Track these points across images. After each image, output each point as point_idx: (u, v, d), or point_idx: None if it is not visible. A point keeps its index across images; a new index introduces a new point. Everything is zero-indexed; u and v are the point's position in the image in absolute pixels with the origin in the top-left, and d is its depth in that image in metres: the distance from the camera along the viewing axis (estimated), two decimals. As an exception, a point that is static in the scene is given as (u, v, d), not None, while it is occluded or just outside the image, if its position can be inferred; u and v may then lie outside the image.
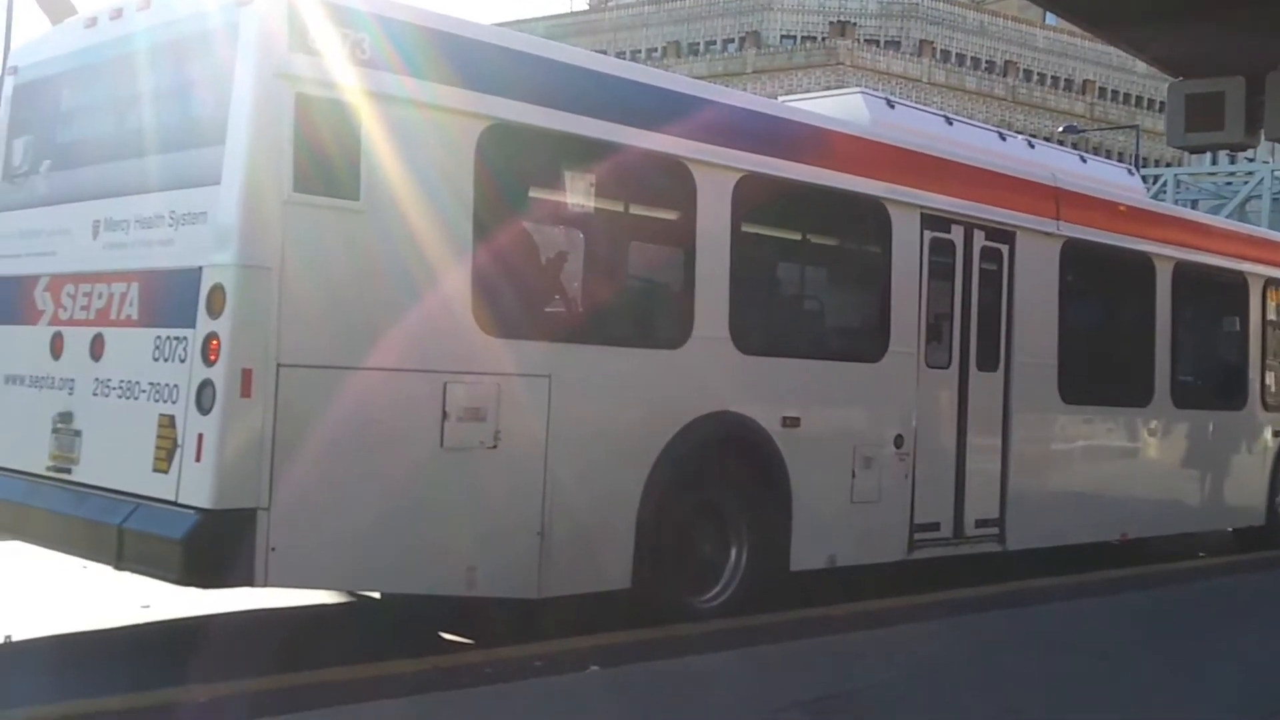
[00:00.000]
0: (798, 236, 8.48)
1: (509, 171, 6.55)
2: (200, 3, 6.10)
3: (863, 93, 9.23)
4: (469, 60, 6.35)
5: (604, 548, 6.82)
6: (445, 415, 6.12)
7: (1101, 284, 10.62)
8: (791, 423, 7.69)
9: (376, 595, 7.69)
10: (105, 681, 5.78)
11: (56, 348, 6.57)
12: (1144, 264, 10.67)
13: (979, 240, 9.23)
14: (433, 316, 6.11)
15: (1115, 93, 70.46)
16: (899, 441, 8.49)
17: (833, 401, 8.12)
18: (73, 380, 6.40)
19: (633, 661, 6.18)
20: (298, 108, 5.66)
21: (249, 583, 5.60)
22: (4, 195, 7.36)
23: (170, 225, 5.95)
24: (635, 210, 7.54)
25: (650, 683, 5.91)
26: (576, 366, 6.70)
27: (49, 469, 6.38)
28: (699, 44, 66.48)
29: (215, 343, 5.59)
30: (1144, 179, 12.28)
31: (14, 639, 6.71)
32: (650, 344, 7.24)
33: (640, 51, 66.26)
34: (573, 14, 72.49)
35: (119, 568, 5.82)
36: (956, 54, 66.74)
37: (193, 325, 5.68)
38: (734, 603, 7.43)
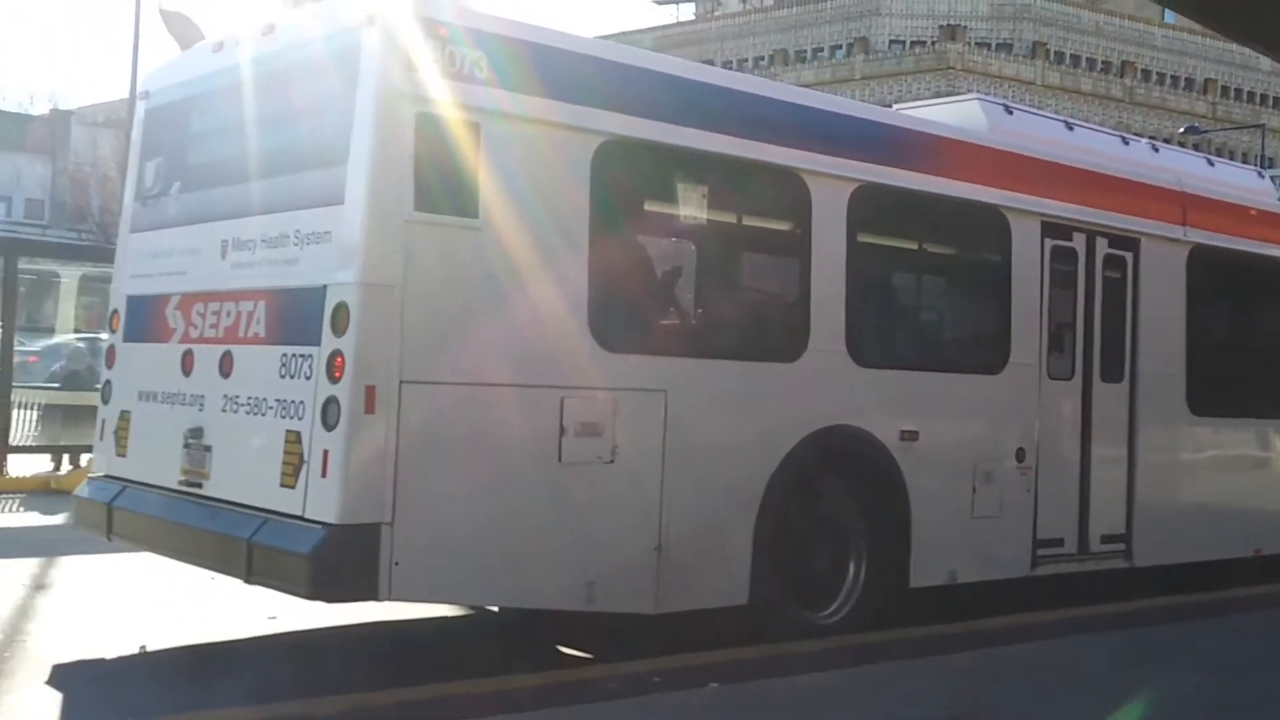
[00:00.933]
0: (915, 246, 8.33)
1: (624, 186, 6.60)
2: (322, 27, 6.23)
3: (979, 99, 9.11)
4: (583, 77, 6.39)
5: (721, 563, 6.79)
6: (563, 430, 6.15)
7: (1231, 291, 10.31)
8: (910, 436, 7.59)
9: (495, 609, 7.73)
10: (234, 692, 5.98)
11: (187, 365, 6.74)
12: (1276, 270, 10.32)
13: (1102, 248, 9.03)
14: (550, 332, 6.16)
15: (1239, 91, 68.30)
16: (1021, 455, 8.33)
17: (952, 414, 7.99)
18: (203, 397, 6.55)
19: (752, 679, 6.15)
20: (418, 128, 5.73)
21: (373, 596, 5.67)
22: (137, 216, 7.59)
23: (295, 245, 6.08)
24: (750, 222, 7.52)
25: (770, 701, 5.87)
26: (692, 381, 6.69)
27: (181, 483, 6.55)
28: (806, 51, 66.09)
29: (340, 360, 5.67)
30: (1272, 180, 11.95)
31: (148, 648, 6.91)
32: (766, 357, 7.19)
33: (747, 60, 66.04)
34: (679, 24, 72.60)
35: (249, 581, 5.93)
36: (1071, 55, 65.30)
37: (318, 343, 5.78)
38: (852, 619, 7.38)
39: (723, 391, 6.86)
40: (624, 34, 63.82)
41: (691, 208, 7.11)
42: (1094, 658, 7.03)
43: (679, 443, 6.57)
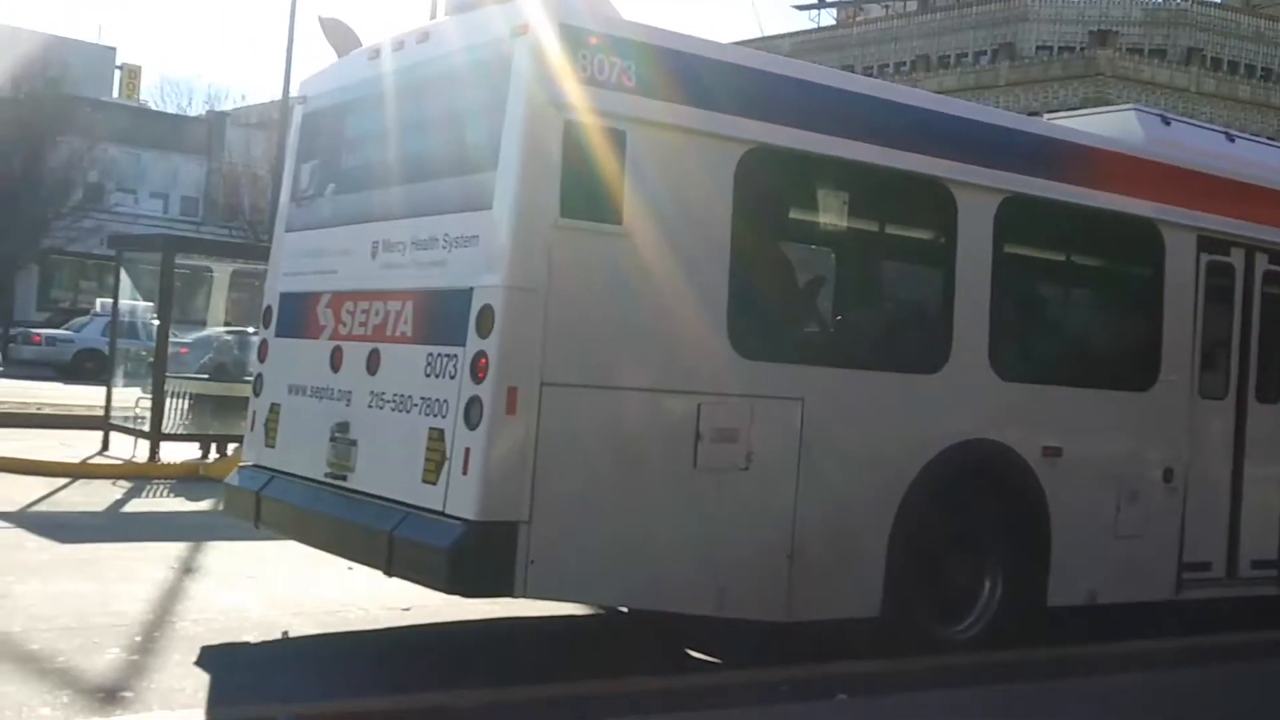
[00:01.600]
0: (1063, 259, 8.18)
1: (767, 195, 6.63)
2: (475, 36, 6.34)
3: (1136, 109, 8.88)
4: (728, 85, 6.44)
5: (854, 573, 6.76)
6: (699, 436, 6.19)
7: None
8: (1052, 452, 7.45)
9: (625, 610, 7.81)
10: (374, 682, 6.16)
11: (336, 361, 6.89)
12: None
13: (1262, 264, 8.75)
14: (689, 338, 6.20)
15: None
16: (1168, 475, 8.12)
17: (1097, 431, 7.81)
18: (350, 392, 6.70)
19: (881, 692, 6.13)
20: (565, 136, 5.83)
21: (508, 593, 5.79)
22: (292, 216, 7.82)
23: (444, 247, 6.21)
24: (893, 232, 7.48)
25: (898, 715, 5.83)
26: (830, 390, 6.68)
27: (326, 475, 6.71)
28: (949, 57, 65.01)
29: (483, 361, 5.77)
30: None
31: (290, 634, 7.16)
32: (906, 368, 7.13)
33: (889, 66, 65.28)
34: (819, 30, 72.00)
35: (389, 573, 6.09)
36: (1229, 61, 62.98)
37: (463, 344, 5.89)
38: (986, 636, 7.26)
39: (861, 402, 6.84)
40: (763, 40, 63.64)
41: (834, 217, 7.11)
42: (1252, 688, 6.80)
43: (814, 452, 6.57)
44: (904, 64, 64.64)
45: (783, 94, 6.66)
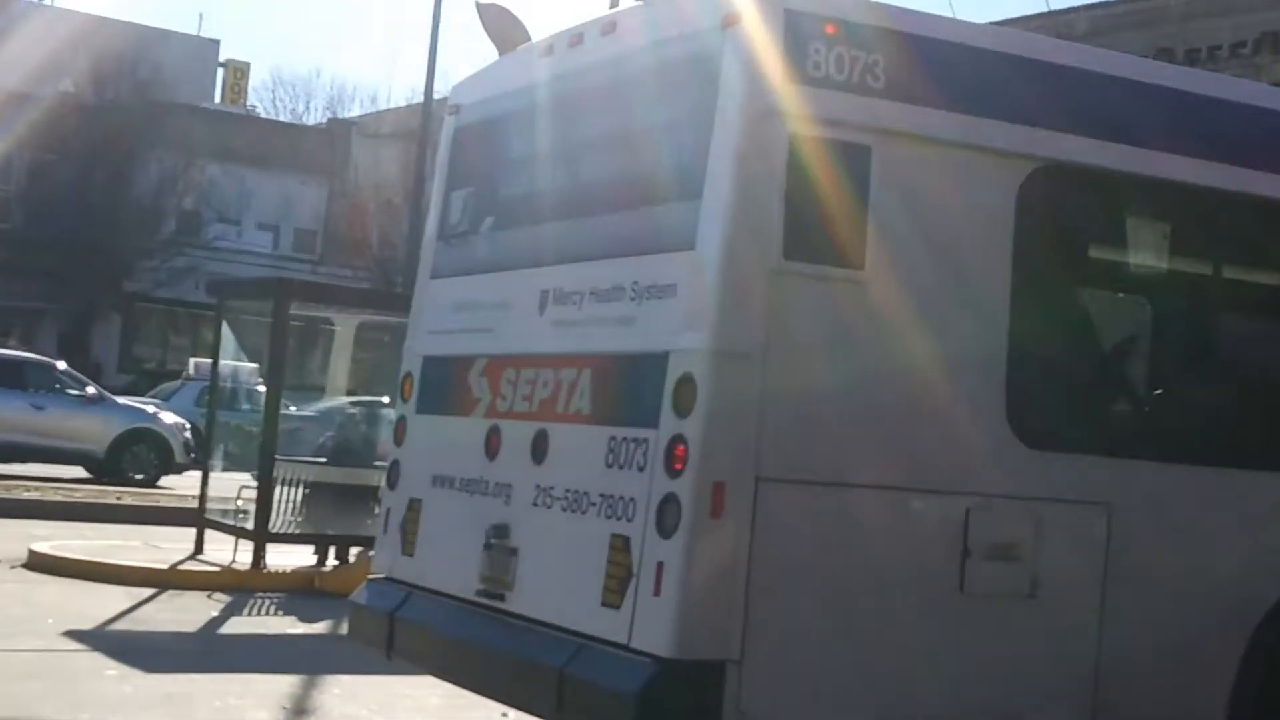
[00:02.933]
0: None
1: (1061, 229, 6.65)
2: (674, 27, 6.46)
3: None
4: (1008, 83, 6.47)
5: (1182, 741, 6.66)
6: (967, 552, 6.17)
7: None
8: None
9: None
10: None
11: (492, 445, 7.03)
12: None
13: None
14: (953, 420, 6.19)
15: None
16: None
17: None
18: (510, 486, 6.83)
19: None
20: (791, 154, 5.89)
21: (713, 752, 5.84)
22: (440, 259, 8.00)
23: (632, 299, 6.29)
24: (1233, 277, 7.32)
25: None
26: (1148, 492, 6.63)
27: (480, 593, 6.84)
28: (1309, 33, 62.97)
29: (681, 449, 5.81)
30: None
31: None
32: (1256, 463, 6.99)
33: (1220, 47, 63.73)
34: (1123, 3, 70.86)
35: (557, 719, 6.15)
36: None
37: (655, 425, 5.95)
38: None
39: (1192, 508, 6.75)
40: (1049, 15, 62.86)
41: (1153, 256, 7.03)
42: None
43: (1127, 576, 6.50)
44: (1242, 44, 62.91)
45: (1083, 93, 6.64)
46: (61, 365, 25.67)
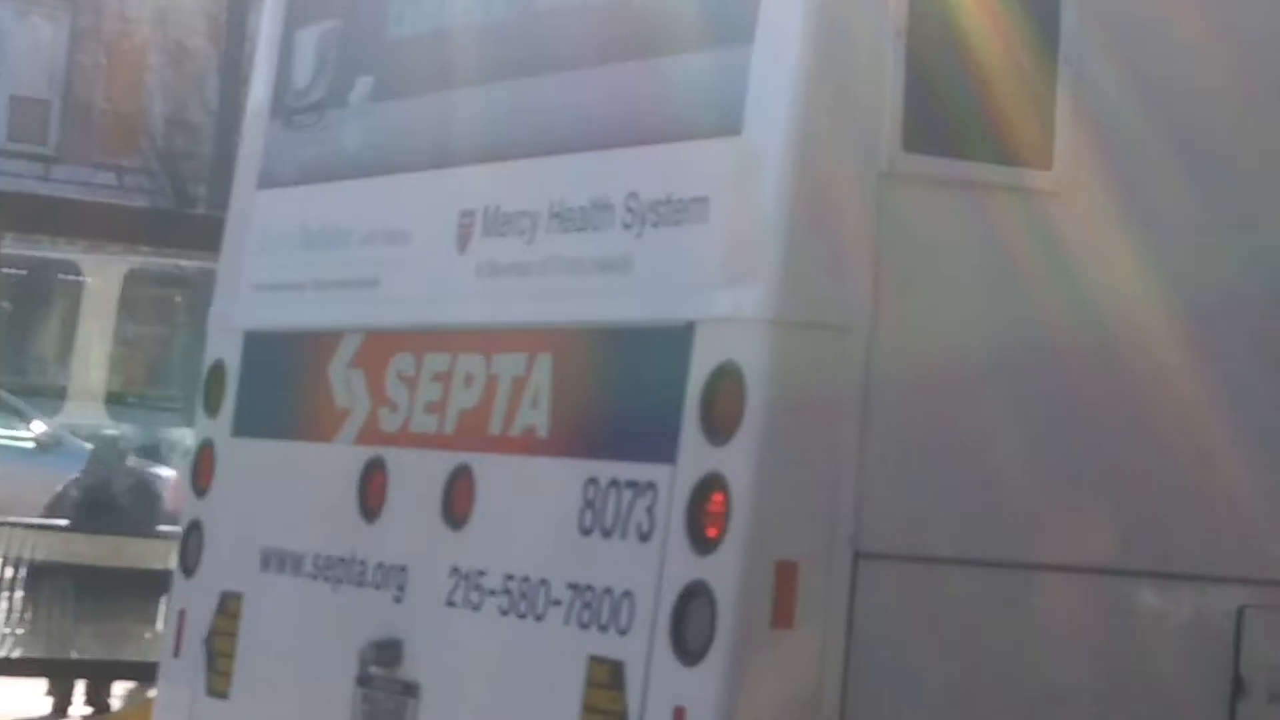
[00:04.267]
0: None
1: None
2: None
3: None
4: None
5: None
6: (1239, 682, 5.73)
7: None
8: None
9: None
10: None
11: (372, 495, 6.51)
12: None
13: None
14: (1217, 450, 5.75)
15: None
16: None
17: None
18: (404, 570, 6.37)
19: None
20: None
21: None
22: (276, 153, 7.57)
23: (626, 226, 5.74)
24: None
25: None
26: None
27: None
28: None
29: (719, 498, 5.25)
30: None
31: None
32: None
33: None
34: None
35: None
36: None
37: (669, 458, 5.42)
38: None
39: None
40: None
41: None
42: None
43: None
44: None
45: None
46: None
